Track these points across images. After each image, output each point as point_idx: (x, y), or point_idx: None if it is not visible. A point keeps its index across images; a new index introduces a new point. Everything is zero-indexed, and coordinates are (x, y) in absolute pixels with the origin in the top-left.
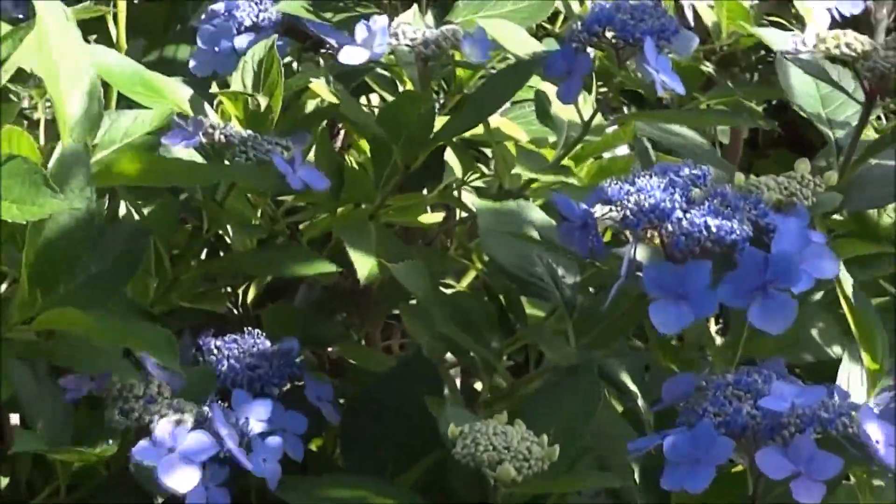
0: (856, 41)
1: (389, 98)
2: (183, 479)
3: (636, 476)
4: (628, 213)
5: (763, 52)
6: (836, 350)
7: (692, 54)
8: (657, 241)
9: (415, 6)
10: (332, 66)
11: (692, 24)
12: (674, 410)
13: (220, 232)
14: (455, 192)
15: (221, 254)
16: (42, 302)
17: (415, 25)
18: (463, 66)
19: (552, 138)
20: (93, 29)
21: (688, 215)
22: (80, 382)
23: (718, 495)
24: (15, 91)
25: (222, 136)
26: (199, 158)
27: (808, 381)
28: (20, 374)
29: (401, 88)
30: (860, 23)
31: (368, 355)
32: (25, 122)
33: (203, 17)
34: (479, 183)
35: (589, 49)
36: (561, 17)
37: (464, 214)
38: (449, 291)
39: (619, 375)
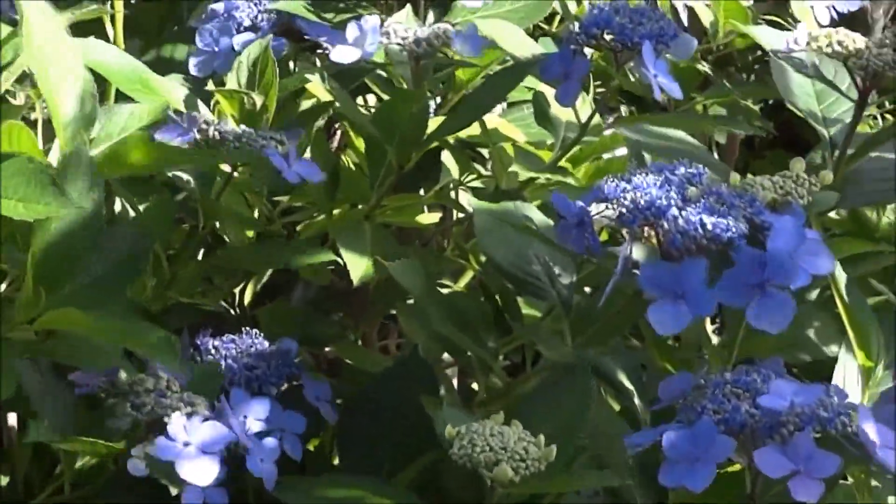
0: (848, 39)
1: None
2: (203, 471)
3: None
4: (624, 210)
5: (760, 52)
6: (832, 349)
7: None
8: (653, 239)
9: (408, 6)
10: (329, 65)
11: (686, 24)
12: (671, 409)
13: (218, 231)
14: (451, 193)
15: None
16: (46, 301)
17: (407, 24)
18: (464, 66)
19: (550, 141)
20: (90, 29)
21: (683, 213)
22: (89, 378)
23: (717, 494)
24: (12, 91)
25: (216, 132)
26: None
27: (806, 380)
28: (25, 371)
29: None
30: (857, 22)
31: (365, 355)
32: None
33: (202, 17)
34: (476, 184)
35: (586, 49)
36: (558, 18)
37: (460, 215)
38: (445, 291)
39: (615, 374)
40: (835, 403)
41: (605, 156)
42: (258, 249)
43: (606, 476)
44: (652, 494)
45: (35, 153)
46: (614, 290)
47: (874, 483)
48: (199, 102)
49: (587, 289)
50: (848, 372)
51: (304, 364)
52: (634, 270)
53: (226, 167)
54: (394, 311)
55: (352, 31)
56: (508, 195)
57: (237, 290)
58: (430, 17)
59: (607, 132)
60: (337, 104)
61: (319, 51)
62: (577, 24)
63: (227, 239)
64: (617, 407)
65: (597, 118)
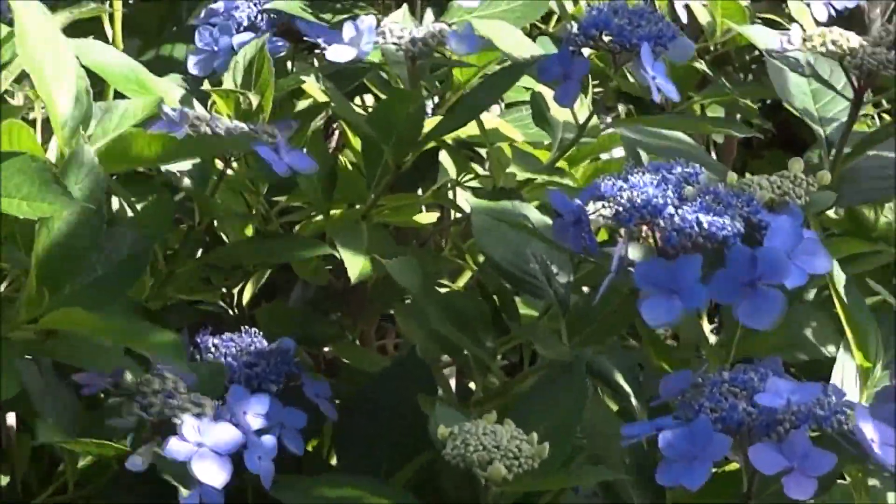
0: (842, 38)
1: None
2: (216, 472)
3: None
4: (620, 208)
5: (757, 52)
6: (830, 349)
7: None
8: (650, 238)
9: (405, 5)
10: (326, 66)
11: (685, 22)
12: (667, 406)
13: (216, 230)
14: (449, 193)
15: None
16: (49, 301)
17: (403, 24)
18: (460, 66)
19: (548, 141)
20: (89, 29)
21: (680, 211)
22: (93, 378)
23: (714, 493)
24: (10, 91)
25: (208, 128)
26: None
27: (804, 376)
28: (26, 371)
29: None
30: (854, 22)
31: (362, 355)
32: None
33: (201, 16)
34: (473, 183)
35: (584, 50)
36: (555, 17)
37: (458, 215)
38: (443, 291)
39: (612, 374)
40: (832, 402)
41: (604, 157)
42: (255, 244)
43: (601, 471)
44: (649, 494)
45: (36, 152)
46: (610, 289)
47: (872, 482)
48: (195, 101)
49: (586, 288)
50: (846, 372)
51: (303, 364)
52: (630, 269)
53: (220, 163)
54: (392, 311)
55: (348, 30)
56: (506, 194)
57: (236, 291)
58: (430, 16)
59: (605, 132)
60: (333, 104)
61: (318, 51)
62: (575, 25)
63: (225, 239)
64: (615, 407)
65: (594, 119)
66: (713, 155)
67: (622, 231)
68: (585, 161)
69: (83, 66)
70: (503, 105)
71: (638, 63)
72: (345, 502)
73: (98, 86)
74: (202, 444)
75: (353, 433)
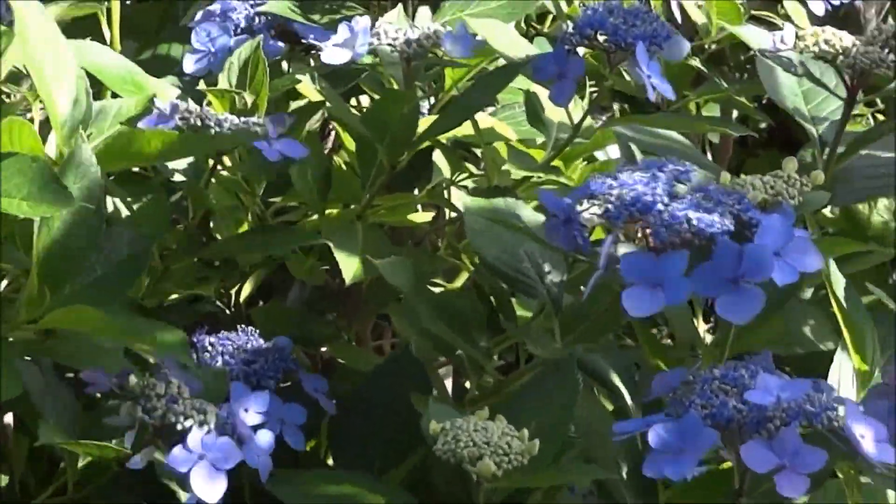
0: (835, 37)
1: None
2: (214, 487)
3: (625, 475)
4: (609, 206)
5: (751, 51)
6: (827, 345)
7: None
8: (641, 236)
9: (399, 6)
10: (321, 67)
11: (680, 21)
12: (660, 402)
13: (212, 231)
14: (444, 192)
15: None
16: (49, 301)
17: (397, 25)
18: (454, 66)
19: (540, 139)
20: (86, 30)
21: (670, 208)
22: (100, 378)
23: (706, 491)
24: (8, 92)
25: (198, 119)
26: None
27: (799, 375)
28: (26, 371)
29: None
30: (850, 22)
31: (358, 355)
32: None
33: (197, 17)
34: (468, 183)
35: (579, 49)
36: (550, 17)
37: (453, 214)
38: (438, 290)
39: (606, 373)
40: (822, 399)
41: (601, 157)
42: (250, 238)
43: (592, 469)
44: (643, 494)
45: (37, 150)
46: (601, 287)
47: (864, 480)
48: (189, 99)
49: (583, 287)
50: (843, 373)
51: (301, 362)
52: (618, 266)
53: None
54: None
55: (342, 32)
56: (500, 192)
57: (233, 291)
58: (426, 14)
59: (598, 128)
60: (328, 104)
61: (314, 52)
62: (570, 25)
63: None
64: (611, 407)
65: (588, 119)
66: (709, 154)
67: (611, 228)
68: (580, 159)
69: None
70: (499, 106)
71: (633, 62)
72: (339, 499)
73: (95, 86)
74: (203, 456)
75: (347, 431)
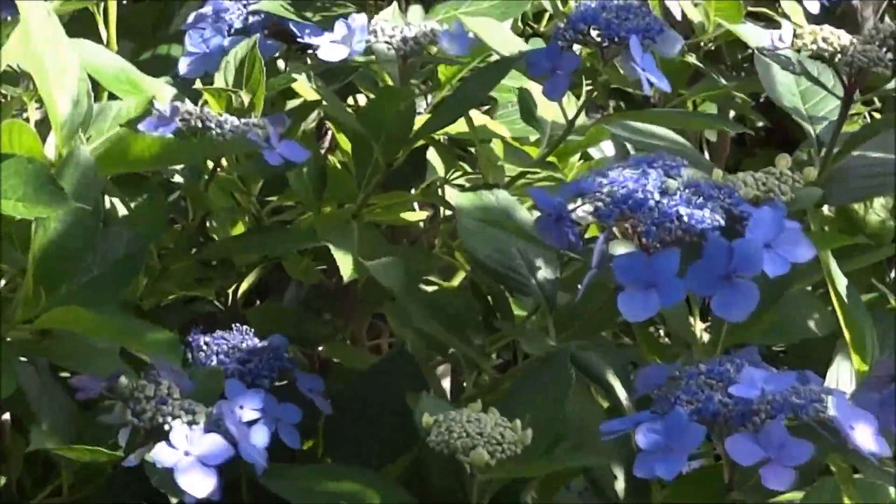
0: (832, 36)
1: None
2: (200, 483)
3: (620, 475)
4: (600, 204)
5: (749, 50)
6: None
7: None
8: (632, 233)
9: (394, 3)
10: (317, 66)
11: (679, 19)
12: (650, 401)
13: (209, 231)
14: (439, 191)
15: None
16: (45, 301)
17: (393, 23)
18: (449, 63)
19: (534, 137)
20: (83, 30)
21: (660, 204)
22: (89, 382)
23: (698, 488)
24: (3, 93)
25: (198, 121)
26: None
27: (794, 363)
28: (23, 371)
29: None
30: (847, 21)
31: (353, 354)
32: None
33: (190, 19)
34: (462, 181)
35: (575, 46)
36: (546, 16)
37: (448, 213)
38: (433, 289)
39: (601, 370)
40: (809, 390)
41: (597, 156)
42: (247, 238)
43: (583, 456)
44: (635, 492)
45: (36, 151)
46: (595, 285)
47: (858, 476)
48: (187, 101)
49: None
50: (841, 374)
51: (297, 362)
52: (611, 264)
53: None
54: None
55: (339, 29)
56: (493, 189)
57: (230, 291)
58: (419, 11)
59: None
60: (324, 103)
61: (311, 51)
62: (564, 21)
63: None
64: (606, 404)
65: (582, 116)
66: (706, 153)
67: (604, 226)
68: (575, 156)
69: None
70: (497, 105)
71: (627, 56)
72: (336, 495)
73: (93, 87)
74: (189, 452)
75: (343, 430)
